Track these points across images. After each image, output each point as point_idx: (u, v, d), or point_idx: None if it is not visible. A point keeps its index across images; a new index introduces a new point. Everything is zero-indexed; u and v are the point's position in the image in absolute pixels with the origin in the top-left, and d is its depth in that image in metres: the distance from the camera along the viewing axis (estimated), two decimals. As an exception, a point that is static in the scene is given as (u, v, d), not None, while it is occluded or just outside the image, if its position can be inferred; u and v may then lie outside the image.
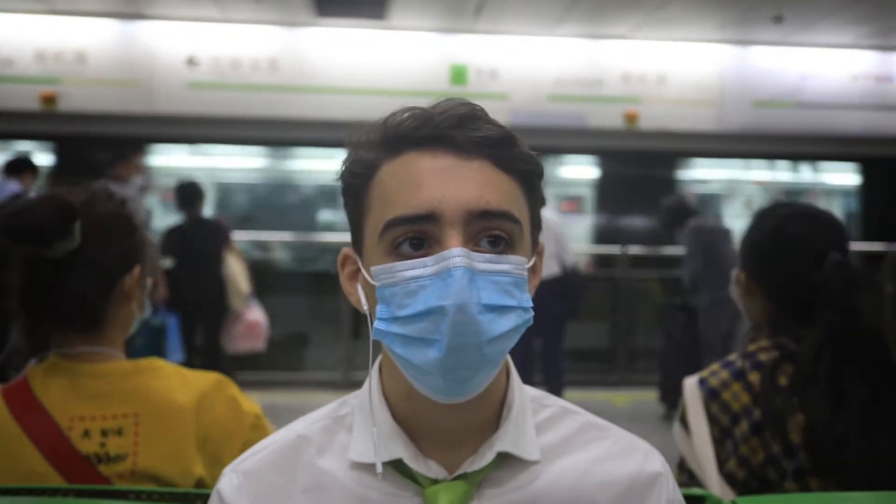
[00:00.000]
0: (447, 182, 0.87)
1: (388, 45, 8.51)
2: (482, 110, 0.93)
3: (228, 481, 0.98)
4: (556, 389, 6.23)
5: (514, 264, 0.89)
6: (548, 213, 6.74)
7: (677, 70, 8.87)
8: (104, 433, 1.39)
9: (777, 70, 8.96)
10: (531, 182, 0.95)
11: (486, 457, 0.93)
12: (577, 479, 0.97)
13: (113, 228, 1.47)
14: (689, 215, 6.10)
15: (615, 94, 8.83)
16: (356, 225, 0.95)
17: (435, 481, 0.93)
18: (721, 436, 1.62)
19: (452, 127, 0.90)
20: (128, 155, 6.24)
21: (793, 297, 1.64)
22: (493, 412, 0.96)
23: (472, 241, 0.87)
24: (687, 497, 1.12)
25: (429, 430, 0.94)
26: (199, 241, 6.13)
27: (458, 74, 8.58)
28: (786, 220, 1.72)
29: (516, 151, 0.93)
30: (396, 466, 0.93)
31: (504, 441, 0.94)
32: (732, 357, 1.68)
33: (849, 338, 1.56)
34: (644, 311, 8.09)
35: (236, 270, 6.23)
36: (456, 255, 0.84)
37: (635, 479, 0.98)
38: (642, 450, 1.02)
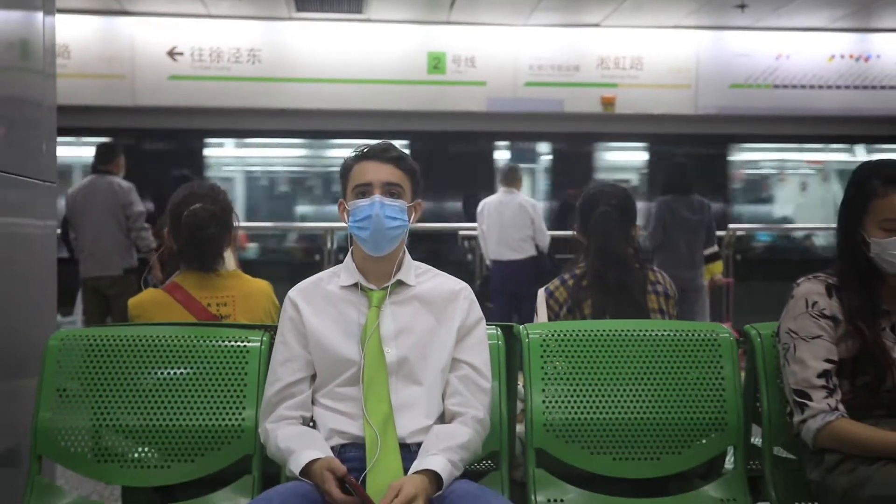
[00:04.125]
0: (375, 172, 2.16)
1: (367, 36, 9.08)
2: (393, 145, 2.22)
3: (292, 293, 2.24)
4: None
5: (400, 203, 2.17)
6: (525, 198, 7.39)
7: (653, 55, 9.42)
8: (218, 305, 2.73)
9: (752, 53, 9.49)
10: (412, 175, 2.22)
11: (392, 280, 2.19)
12: (429, 289, 2.24)
13: (225, 216, 2.81)
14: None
15: (592, 80, 9.32)
16: (344, 187, 2.21)
17: (372, 290, 2.19)
18: (554, 318, 2.86)
19: (379, 152, 2.19)
20: (116, 155, 6.51)
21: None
22: (395, 265, 2.20)
23: (384, 194, 2.15)
24: (504, 327, 2.47)
25: (370, 272, 2.21)
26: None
27: (436, 63, 8.82)
28: (589, 191, 3.06)
29: (406, 162, 2.21)
30: (357, 287, 2.20)
31: (399, 275, 2.21)
32: (563, 274, 2.97)
33: (607, 253, 2.87)
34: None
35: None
36: (376, 197, 2.13)
37: (453, 288, 2.25)
38: (456, 280, 2.30)
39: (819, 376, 2.12)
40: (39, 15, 2.92)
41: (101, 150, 6.48)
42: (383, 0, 8.33)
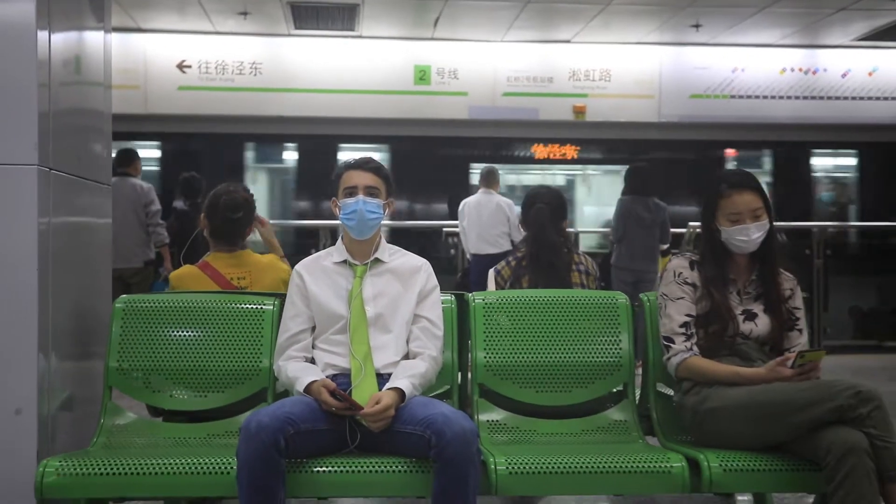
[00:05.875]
0: (359, 178, 2.91)
1: (359, 51, 9.83)
2: (372, 158, 3.01)
3: (298, 267, 2.98)
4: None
5: (377, 201, 2.90)
6: (502, 198, 7.99)
7: (620, 68, 10.19)
8: (238, 278, 3.44)
9: (710, 66, 10.27)
10: (386, 180, 2.95)
11: (371, 258, 2.93)
12: (399, 264, 2.96)
13: (250, 204, 3.57)
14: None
15: (564, 91, 10.06)
16: (336, 189, 2.93)
17: (356, 265, 2.92)
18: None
19: (362, 163, 2.96)
20: (134, 159, 7.17)
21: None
22: (374, 247, 2.93)
23: (366, 195, 2.88)
24: (457, 295, 3.22)
25: (355, 252, 2.93)
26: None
27: (422, 75, 9.51)
28: (528, 193, 3.99)
29: (382, 171, 2.96)
30: (346, 263, 2.93)
31: (376, 254, 2.93)
32: (509, 256, 3.84)
33: (540, 241, 3.74)
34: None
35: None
36: (360, 197, 2.88)
37: (416, 264, 2.98)
38: (418, 257, 3.01)
39: (680, 326, 2.88)
40: (101, 33, 3.46)
41: (121, 154, 7.08)
42: (374, 18, 9.03)
